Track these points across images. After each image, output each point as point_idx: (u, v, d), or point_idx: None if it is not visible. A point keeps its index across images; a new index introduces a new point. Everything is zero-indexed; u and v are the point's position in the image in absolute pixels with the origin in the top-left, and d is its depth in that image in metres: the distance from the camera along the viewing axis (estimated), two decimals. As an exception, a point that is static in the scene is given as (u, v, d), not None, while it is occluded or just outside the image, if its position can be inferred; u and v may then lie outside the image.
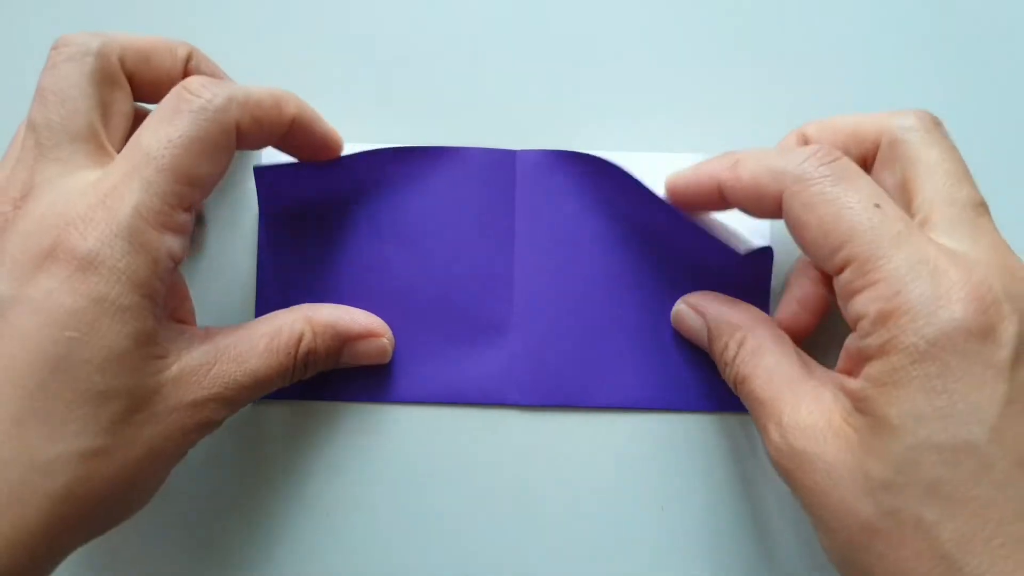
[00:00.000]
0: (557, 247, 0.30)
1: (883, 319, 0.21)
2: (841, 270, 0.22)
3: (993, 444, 0.19)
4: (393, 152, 0.29)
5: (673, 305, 0.29)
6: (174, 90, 0.23)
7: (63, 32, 0.25)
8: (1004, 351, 0.20)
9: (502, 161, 0.30)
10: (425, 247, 0.30)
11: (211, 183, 0.24)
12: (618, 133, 0.31)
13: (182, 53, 0.26)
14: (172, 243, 0.23)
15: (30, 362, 0.21)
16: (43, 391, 0.21)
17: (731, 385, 0.26)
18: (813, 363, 0.25)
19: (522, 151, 0.30)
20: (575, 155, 0.30)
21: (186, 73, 0.26)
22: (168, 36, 0.27)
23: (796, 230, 0.23)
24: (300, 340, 0.26)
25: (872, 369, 0.21)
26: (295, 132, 0.26)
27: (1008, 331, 0.20)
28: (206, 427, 0.24)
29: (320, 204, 0.30)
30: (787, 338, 0.26)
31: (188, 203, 0.23)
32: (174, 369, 0.23)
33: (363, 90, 0.31)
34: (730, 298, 0.28)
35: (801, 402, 0.23)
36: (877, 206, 0.22)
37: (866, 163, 0.25)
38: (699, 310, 0.28)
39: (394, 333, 0.29)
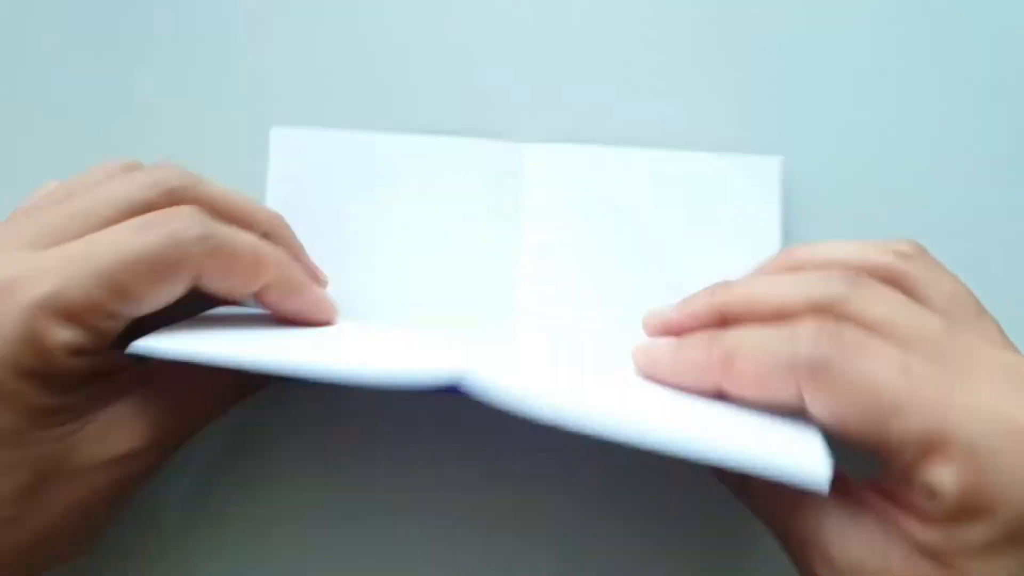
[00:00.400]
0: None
1: (969, 492, 0.18)
2: (899, 446, 0.19)
3: None
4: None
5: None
6: (165, 210, 0.23)
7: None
8: None
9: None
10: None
11: (149, 306, 0.23)
12: (618, 124, 0.31)
13: (267, 275, 0.25)
14: (76, 336, 0.21)
15: None
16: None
17: (736, 490, 0.24)
18: (848, 476, 0.21)
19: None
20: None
21: (262, 292, 0.25)
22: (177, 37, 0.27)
23: (831, 420, 0.20)
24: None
25: (959, 534, 0.19)
26: (266, 297, 0.25)
27: None
28: (142, 475, 0.24)
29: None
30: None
31: (111, 311, 0.22)
32: (90, 429, 0.23)
33: (370, 80, 0.31)
34: None
35: (846, 531, 0.20)
36: (905, 366, 0.19)
37: None
38: (648, 357, 0.24)
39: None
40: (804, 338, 0.20)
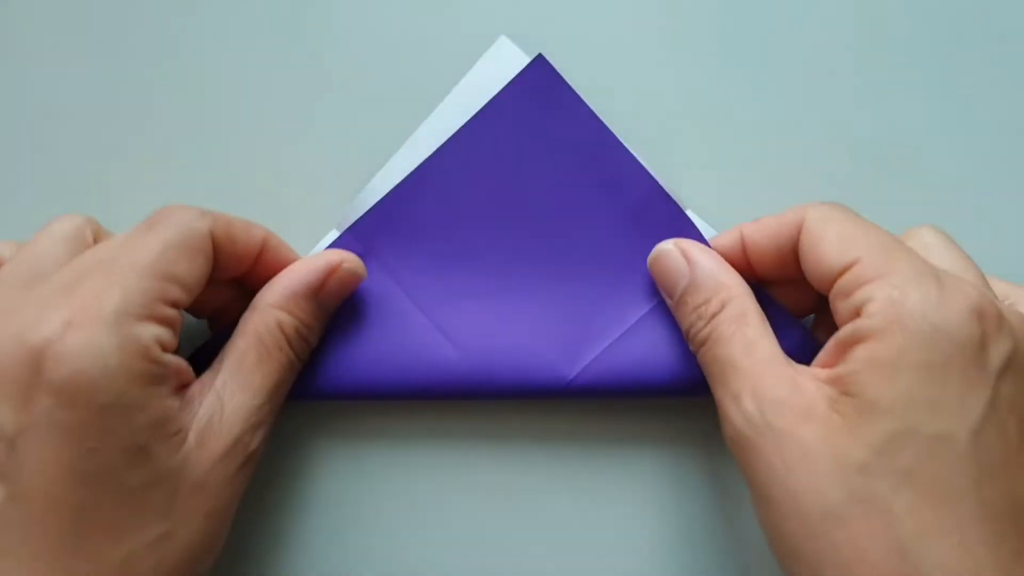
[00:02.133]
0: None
1: (893, 303, 0.22)
2: (850, 267, 0.23)
3: (970, 446, 0.20)
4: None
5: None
6: (160, 210, 0.25)
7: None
8: (995, 361, 0.21)
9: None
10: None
11: (193, 285, 0.24)
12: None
13: (258, 234, 0.27)
14: (159, 332, 0.23)
15: (62, 486, 0.21)
16: (85, 506, 0.21)
17: (696, 342, 0.26)
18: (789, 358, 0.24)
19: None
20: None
21: (261, 252, 0.27)
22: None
23: (812, 242, 0.24)
24: (281, 327, 0.26)
25: (867, 350, 0.22)
26: (265, 257, 0.27)
27: (1001, 346, 0.21)
28: (248, 463, 0.25)
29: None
30: (768, 324, 0.25)
31: (171, 299, 0.23)
32: (191, 438, 0.23)
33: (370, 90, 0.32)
34: (721, 258, 0.27)
35: (783, 382, 0.23)
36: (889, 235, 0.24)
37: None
38: (688, 256, 0.27)
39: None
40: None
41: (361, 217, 0.30)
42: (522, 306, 0.29)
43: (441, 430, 0.30)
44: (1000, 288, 0.26)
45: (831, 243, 0.24)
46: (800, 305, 0.28)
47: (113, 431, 0.21)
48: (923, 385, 0.21)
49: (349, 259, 0.27)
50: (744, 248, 0.27)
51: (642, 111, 0.31)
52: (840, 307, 0.23)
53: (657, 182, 0.29)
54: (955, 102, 0.31)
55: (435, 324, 0.29)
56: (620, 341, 0.28)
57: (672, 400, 0.29)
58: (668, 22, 0.31)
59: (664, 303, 0.28)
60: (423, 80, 0.31)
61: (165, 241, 0.23)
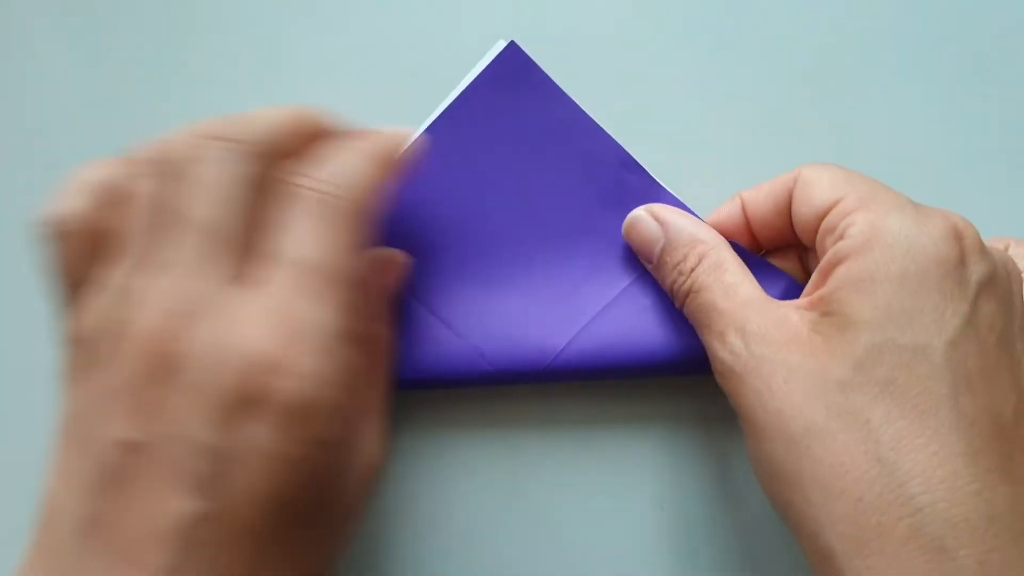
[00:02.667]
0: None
1: (872, 224, 0.22)
2: (836, 204, 0.24)
3: (946, 357, 0.21)
4: None
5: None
6: (307, 191, 0.21)
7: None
8: (973, 279, 0.22)
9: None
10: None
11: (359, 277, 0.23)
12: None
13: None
14: (355, 354, 0.22)
15: (262, 515, 0.20)
16: (276, 537, 0.20)
17: (679, 296, 0.26)
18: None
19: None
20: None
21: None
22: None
23: (804, 189, 0.25)
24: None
25: (846, 269, 0.22)
26: None
27: (980, 267, 0.22)
28: (377, 469, 0.25)
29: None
30: (747, 268, 0.26)
31: (354, 308, 0.22)
32: (356, 464, 0.24)
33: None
34: (694, 216, 0.28)
35: (765, 316, 0.23)
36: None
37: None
38: (660, 218, 0.27)
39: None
40: None
41: None
42: (512, 289, 0.30)
43: (444, 419, 0.31)
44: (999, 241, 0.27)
45: (821, 188, 0.24)
46: (798, 275, 0.28)
47: (325, 468, 0.21)
48: (900, 297, 0.21)
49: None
50: (745, 213, 0.27)
51: (642, 111, 0.32)
52: (827, 243, 0.24)
53: (631, 156, 0.30)
54: (956, 103, 0.31)
55: (432, 311, 0.30)
56: (601, 315, 0.30)
57: (664, 380, 0.30)
58: (668, 23, 0.32)
59: (643, 276, 0.29)
60: (423, 84, 0.31)
61: (342, 241, 0.21)
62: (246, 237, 0.21)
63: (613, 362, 0.30)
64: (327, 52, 0.32)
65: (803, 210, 0.25)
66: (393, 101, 0.32)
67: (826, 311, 0.22)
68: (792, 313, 0.23)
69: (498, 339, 0.30)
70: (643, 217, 0.28)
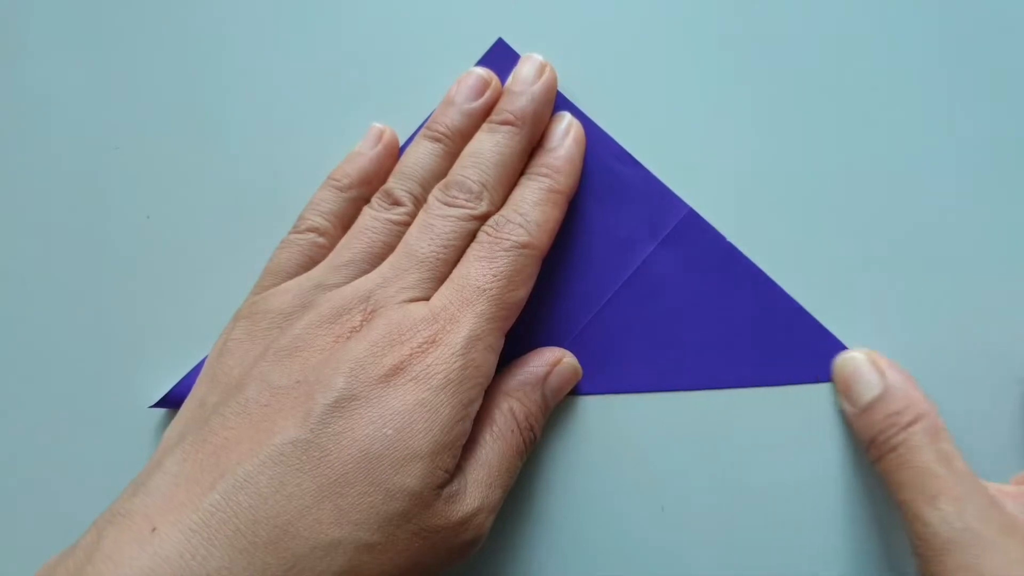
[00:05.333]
0: None
1: None
2: None
3: None
4: None
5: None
6: (482, 232, 0.27)
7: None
8: None
9: None
10: None
11: (520, 308, 0.27)
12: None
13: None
14: (492, 361, 0.26)
15: (346, 451, 0.22)
16: (346, 479, 0.22)
17: (884, 447, 0.26)
18: None
19: None
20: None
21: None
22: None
23: None
24: (513, 414, 0.27)
25: None
26: None
27: None
28: (474, 543, 0.25)
29: None
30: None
31: (505, 328, 0.26)
32: (448, 488, 0.24)
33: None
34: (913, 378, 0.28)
35: (980, 492, 0.24)
36: None
37: None
38: (880, 367, 0.27)
39: None
40: None
41: None
42: None
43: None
44: None
45: None
46: None
47: (413, 428, 0.23)
48: None
49: (568, 355, 0.29)
50: None
51: (642, 111, 0.31)
52: None
53: (623, 148, 0.30)
54: (956, 103, 0.31)
55: None
56: (599, 315, 0.30)
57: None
58: (668, 23, 0.31)
59: (639, 272, 0.29)
60: (421, 82, 0.31)
61: (508, 272, 0.26)
62: (450, 267, 0.27)
63: (610, 368, 0.30)
64: (320, 52, 0.32)
65: None
66: (387, 101, 0.32)
67: None
68: (1008, 500, 0.24)
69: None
70: (860, 360, 0.28)
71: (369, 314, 0.25)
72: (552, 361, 0.29)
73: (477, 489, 0.25)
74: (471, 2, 0.32)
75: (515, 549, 0.30)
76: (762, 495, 0.29)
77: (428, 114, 0.31)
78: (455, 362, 0.24)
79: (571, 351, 0.30)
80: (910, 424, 0.25)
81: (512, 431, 0.27)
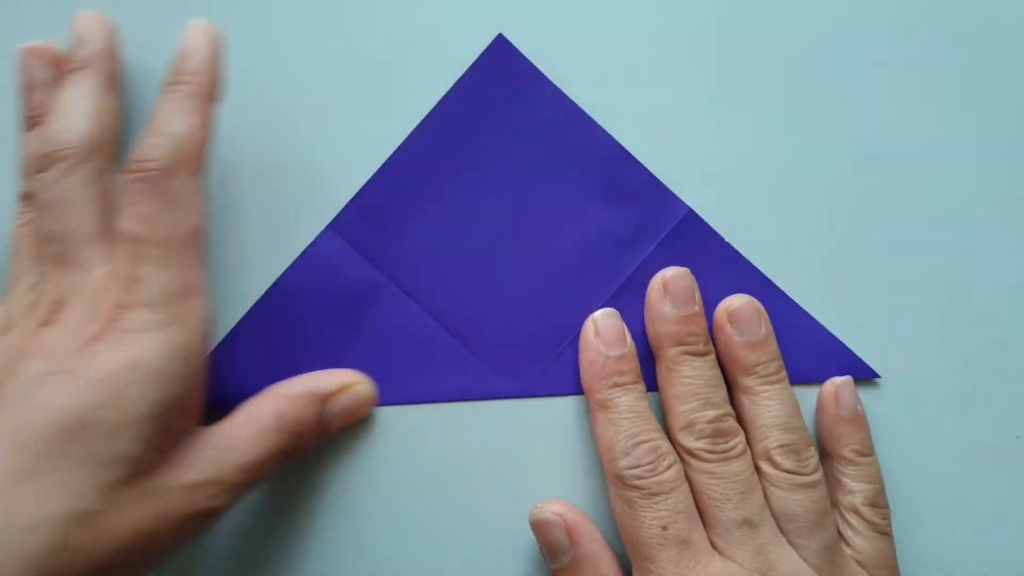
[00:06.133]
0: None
1: None
2: None
3: None
4: None
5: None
6: (130, 168, 0.25)
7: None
8: None
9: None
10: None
11: (200, 233, 0.25)
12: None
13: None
14: (206, 308, 0.25)
15: (46, 425, 0.22)
16: (49, 453, 0.21)
17: None
18: None
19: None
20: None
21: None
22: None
23: None
24: (278, 415, 0.26)
25: None
26: None
27: None
28: (206, 515, 0.24)
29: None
30: None
31: (194, 263, 0.25)
32: (174, 453, 0.24)
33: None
34: (602, 539, 0.28)
35: None
36: None
37: None
38: (573, 534, 0.27)
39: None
40: None
41: (340, 212, 0.30)
42: (507, 286, 0.30)
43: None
44: None
45: None
46: None
47: (127, 392, 0.22)
48: None
49: (364, 383, 0.29)
50: None
51: (643, 111, 0.31)
52: None
53: (625, 149, 0.30)
54: (957, 105, 0.31)
55: (426, 310, 0.30)
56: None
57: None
58: (670, 22, 0.31)
59: (640, 271, 0.29)
60: (421, 77, 0.31)
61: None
62: (103, 223, 0.25)
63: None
64: (319, 46, 0.32)
65: None
66: (386, 99, 0.31)
67: None
68: None
69: (495, 343, 0.30)
70: (555, 523, 0.28)
71: (54, 311, 0.24)
72: (343, 383, 0.28)
73: (213, 462, 0.24)
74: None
75: (516, 549, 0.30)
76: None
77: (427, 110, 0.30)
78: (156, 315, 0.23)
79: (571, 351, 0.29)
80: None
81: (273, 429, 0.26)
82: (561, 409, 0.30)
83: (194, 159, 0.25)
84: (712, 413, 0.27)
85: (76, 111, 0.25)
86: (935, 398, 0.30)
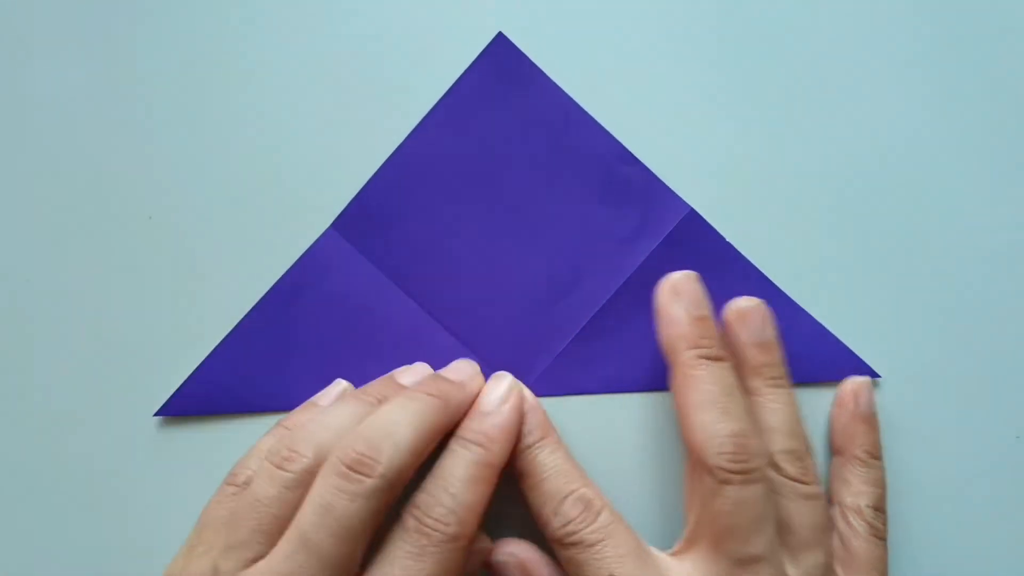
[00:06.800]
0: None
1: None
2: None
3: None
4: None
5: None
6: (408, 515, 0.24)
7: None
8: None
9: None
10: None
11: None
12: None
13: None
14: None
15: None
16: None
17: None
18: (647, 552, 0.26)
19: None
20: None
21: None
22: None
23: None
24: None
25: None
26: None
27: None
28: None
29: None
30: None
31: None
32: None
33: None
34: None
35: None
36: None
37: None
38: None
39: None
40: None
41: (342, 211, 0.30)
42: (508, 286, 0.30)
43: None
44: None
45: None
46: None
47: None
48: None
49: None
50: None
51: (644, 110, 0.31)
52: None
53: (626, 148, 0.30)
54: (957, 106, 0.31)
55: (427, 311, 0.30)
56: (601, 313, 0.30)
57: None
58: (671, 22, 0.31)
59: (642, 269, 0.29)
60: (422, 76, 0.31)
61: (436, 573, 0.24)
62: (357, 560, 0.24)
63: (610, 367, 0.30)
64: (322, 48, 0.32)
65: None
66: (389, 97, 0.31)
67: None
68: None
69: (496, 343, 0.30)
70: (510, 566, 0.27)
71: None
72: None
73: None
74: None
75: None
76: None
77: (428, 109, 0.30)
78: None
79: (571, 350, 0.30)
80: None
81: None
82: (562, 409, 0.30)
83: (473, 534, 0.25)
84: (732, 427, 0.25)
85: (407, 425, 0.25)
86: (935, 398, 0.30)
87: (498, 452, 0.25)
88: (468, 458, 0.25)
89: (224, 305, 0.30)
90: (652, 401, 0.30)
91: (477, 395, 0.27)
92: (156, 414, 0.30)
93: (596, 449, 0.30)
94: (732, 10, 0.31)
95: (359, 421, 0.25)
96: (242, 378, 0.29)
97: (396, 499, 0.24)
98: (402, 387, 0.27)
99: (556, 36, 0.31)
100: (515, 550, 0.27)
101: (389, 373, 0.28)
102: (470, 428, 0.26)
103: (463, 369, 0.28)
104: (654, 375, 0.30)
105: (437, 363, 0.29)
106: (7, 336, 0.31)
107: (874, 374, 0.30)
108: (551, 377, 0.30)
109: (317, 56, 0.31)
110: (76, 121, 0.31)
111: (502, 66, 0.30)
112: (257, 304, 0.30)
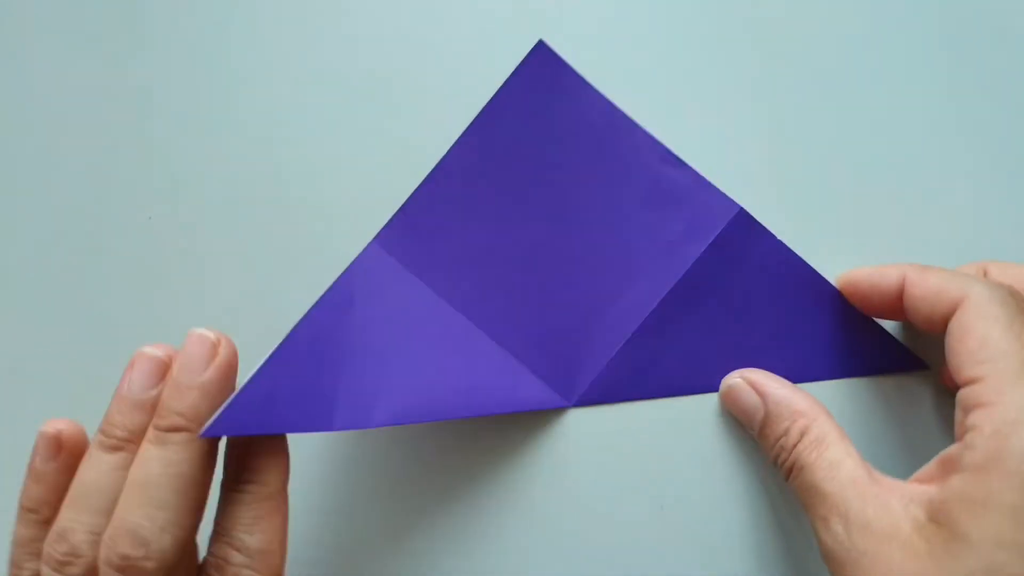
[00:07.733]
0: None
1: (997, 441, 0.22)
2: (974, 382, 0.23)
3: None
4: None
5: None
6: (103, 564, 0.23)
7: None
8: None
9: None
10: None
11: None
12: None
13: None
14: None
15: None
16: None
17: (784, 471, 0.27)
18: (874, 470, 0.25)
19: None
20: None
21: None
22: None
23: (959, 334, 0.24)
24: None
25: (963, 482, 0.22)
26: None
27: None
28: None
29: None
30: (849, 439, 0.26)
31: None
32: None
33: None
34: (790, 383, 0.28)
35: (868, 503, 0.23)
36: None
37: None
38: (759, 388, 0.28)
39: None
40: (992, 282, 0.25)
41: (385, 226, 0.29)
42: (556, 297, 0.30)
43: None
44: None
45: (972, 346, 0.23)
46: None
47: None
48: (1015, 528, 0.21)
49: None
50: (901, 293, 0.27)
51: (687, 112, 0.31)
52: (958, 414, 0.24)
53: (670, 151, 0.30)
54: (955, 105, 0.31)
55: (476, 323, 0.29)
56: (651, 319, 0.29)
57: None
58: (703, 22, 0.32)
59: (690, 273, 0.29)
60: (463, 85, 0.31)
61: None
62: None
63: (662, 372, 0.29)
64: (361, 55, 0.31)
65: (951, 361, 0.24)
66: (428, 107, 0.31)
67: (935, 519, 0.22)
68: (897, 502, 0.23)
69: (546, 353, 0.29)
70: (740, 386, 0.28)
71: None
72: None
73: None
74: (511, 4, 0.31)
75: (520, 551, 0.29)
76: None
77: (469, 120, 0.30)
78: None
79: (623, 357, 0.29)
80: (796, 444, 0.26)
81: None
82: (614, 416, 0.30)
83: (174, 559, 0.23)
84: None
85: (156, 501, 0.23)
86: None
87: (278, 488, 0.25)
88: (247, 496, 0.25)
89: (225, 308, 0.29)
90: (706, 405, 0.30)
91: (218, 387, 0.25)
92: (203, 434, 0.28)
93: (651, 455, 0.30)
94: (768, 8, 0.32)
95: (118, 486, 0.23)
96: (289, 397, 0.28)
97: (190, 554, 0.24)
98: (143, 417, 0.24)
99: (594, 41, 0.31)
100: (746, 373, 0.28)
101: (118, 390, 0.25)
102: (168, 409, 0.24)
103: (195, 354, 0.25)
104: (707, 378, 0.29)
105: (487, 375, 0.29)
106: (7, 336, 0.30)
107: (924, 365, 0.30)
108: (603, 385, 0.29)
109: (355, 67, 0.31)
110: (76, 120, 0.31)
111: (543, 74, 0.30)
112: (301, 322, 0.29)
